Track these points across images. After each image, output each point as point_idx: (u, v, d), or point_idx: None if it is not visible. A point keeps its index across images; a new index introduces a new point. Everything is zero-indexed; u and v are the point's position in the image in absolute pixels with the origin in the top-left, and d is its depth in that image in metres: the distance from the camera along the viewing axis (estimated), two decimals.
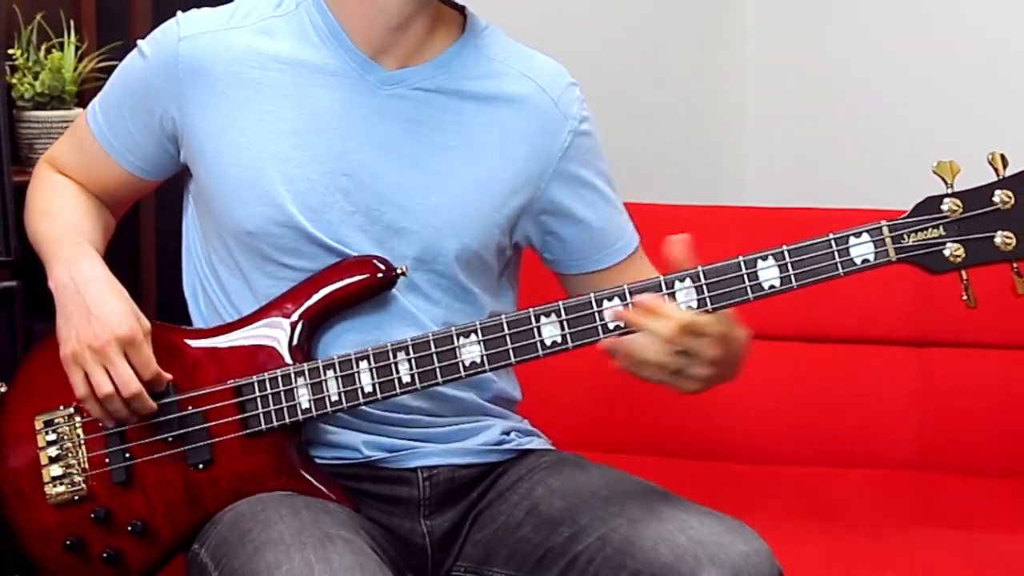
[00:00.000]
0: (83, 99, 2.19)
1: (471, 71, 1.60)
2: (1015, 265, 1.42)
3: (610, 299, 1.46)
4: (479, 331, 1.50)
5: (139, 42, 1.64)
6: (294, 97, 1.56)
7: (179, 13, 1.62)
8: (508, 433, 1.67)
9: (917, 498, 2.23)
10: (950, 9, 2.77)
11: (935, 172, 1.43)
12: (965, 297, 1.43)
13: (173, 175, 1.68)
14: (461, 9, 1.65)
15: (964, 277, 1.44)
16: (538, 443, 1.70)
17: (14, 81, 2.15)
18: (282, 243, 1.56)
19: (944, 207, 1.43)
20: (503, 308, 1.66)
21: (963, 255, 1.43)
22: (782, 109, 3.02)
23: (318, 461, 1.58)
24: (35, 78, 2.16)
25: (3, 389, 1.62)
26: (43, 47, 2.19)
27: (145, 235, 2.33)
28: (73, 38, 2.21)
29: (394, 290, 1.57)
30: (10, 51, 2.15)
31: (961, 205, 1.42)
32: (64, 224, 1.63)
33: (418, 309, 1.58)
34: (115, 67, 1.68)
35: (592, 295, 1.48)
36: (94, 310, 1.51)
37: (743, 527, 1.46)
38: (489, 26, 1.65)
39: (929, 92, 2.80)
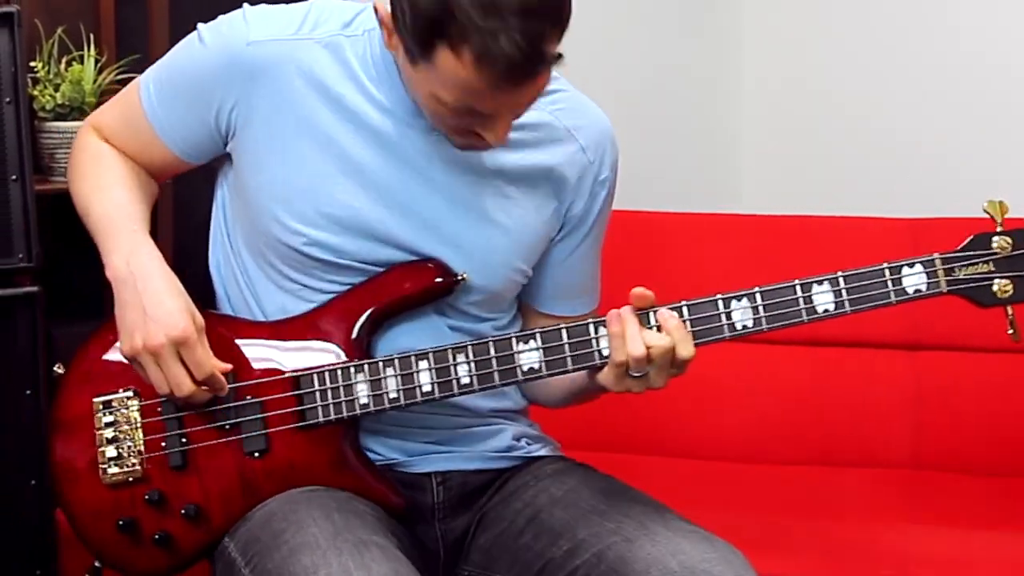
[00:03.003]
0: None
1: (519, 122, 1.54)
2: None
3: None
4: (539, 337, 1.51)
5: (201, 26, 1.59)
6: (350, 124, 1.54)
7: (246, 6, 1.57)
8: (519, 440, 1.69)
9: (911, 497, 2.26)
10: (943, 23, 2.80)
11: (985, 211, 1.47)
12: (1011, 331, 1.47)
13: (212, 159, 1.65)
14: None
15: (1010, 312, 1.47)
16: (547, 450, 1.71)
17: (36, 93, 2.18)
18: (315, 260, 1.56)
19: (994, 244, 1.47)
20: (517, 318, 1.69)
21: (1011, 291, 1.46)
22: (777, 120, 3.05)
23: None
24: (56, 90, 2.19)
25: (61, 371, 1.61)
26: (64, 60, 2.22)
27: (162, 242, 2.26)
28: (93, 51, 2.24)
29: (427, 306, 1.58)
30: (32, 64, 2.17)
31: (1011, 243, 1.46)
32: (118, 206, 1.60)
33: (442, 321, 1.60)
34: (133, 80, 1.66)
35: (654, 309, 1.47)
36: (150, 309, 1.50)
37: (735, 555, 1.46)
38: None
39: (920, 103, 2.83)
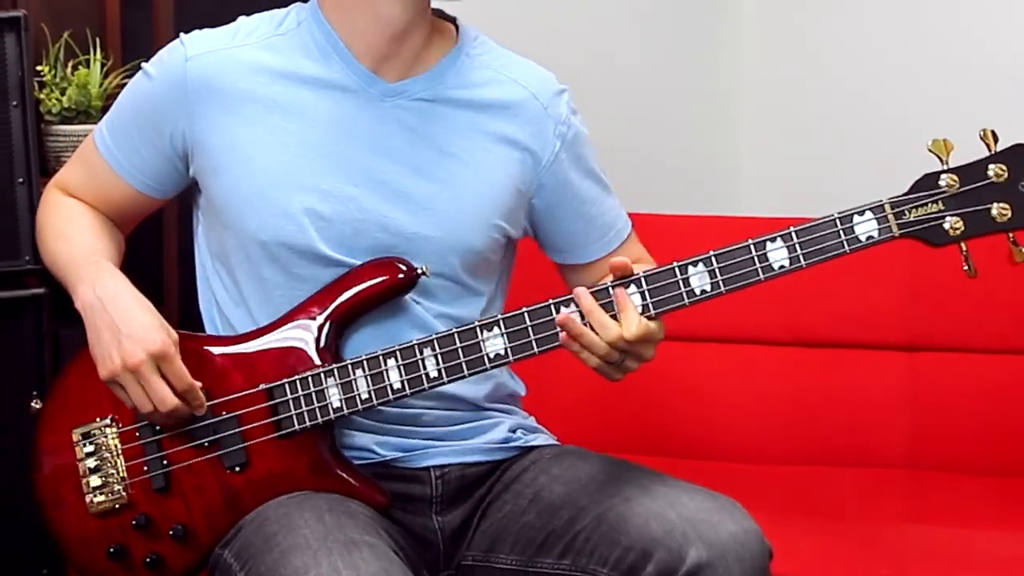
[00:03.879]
0: None
1: (466, 80, 1.65)
2: (1011, 235, 1.46)
3: (626, 287, 1.50)
4: (502, 323, 1.52)
5: (144, 65, 1.67)
6: (302, 111, 1.60)
7: (181, 34, 1.65)
8: (515, 431, 1.71)
9: (908, 496, 2.27)
10: (944, 23, 2.80)
11: (930, 150, 1.47)
12: (966, 267, 1.47)
13: (182, 191, 1.70)
14: (454, 21, 1.70)
15: (964, 249, 1.47)
16: (543, 439, 1.74)
17: (42, 96, 2.19)
18: (295, 252, 1.59)
19: (942, 182, 1.46)
20: (500, 295, 1.72)
21: (962, 227, 1.46)
22: (777, 121, 3.05)
23: None
24: (62, 94, 2.20)
25: (39, 406, 1.64)
26: (70, 64, 2.24)
27: (168, 244, 2.34)
28: (99, 55, 2.25)
29: (407, 295, 1.60)
30: (38, 68, 2.19)
31: (958, 180, 1.46)
32: (81, 245, 1.65)
33: (427, 311, 1.62)
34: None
35: (608, 283, 1.51)
36: (123, 328, 1.52)
37: (735, 506, 1.50)
38: (479, 35, 1.70)
39: (924, 103, 2.82)
